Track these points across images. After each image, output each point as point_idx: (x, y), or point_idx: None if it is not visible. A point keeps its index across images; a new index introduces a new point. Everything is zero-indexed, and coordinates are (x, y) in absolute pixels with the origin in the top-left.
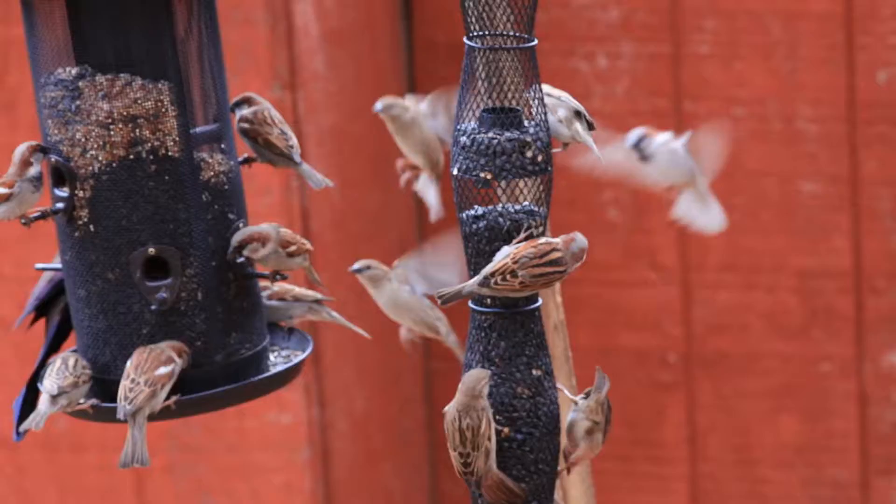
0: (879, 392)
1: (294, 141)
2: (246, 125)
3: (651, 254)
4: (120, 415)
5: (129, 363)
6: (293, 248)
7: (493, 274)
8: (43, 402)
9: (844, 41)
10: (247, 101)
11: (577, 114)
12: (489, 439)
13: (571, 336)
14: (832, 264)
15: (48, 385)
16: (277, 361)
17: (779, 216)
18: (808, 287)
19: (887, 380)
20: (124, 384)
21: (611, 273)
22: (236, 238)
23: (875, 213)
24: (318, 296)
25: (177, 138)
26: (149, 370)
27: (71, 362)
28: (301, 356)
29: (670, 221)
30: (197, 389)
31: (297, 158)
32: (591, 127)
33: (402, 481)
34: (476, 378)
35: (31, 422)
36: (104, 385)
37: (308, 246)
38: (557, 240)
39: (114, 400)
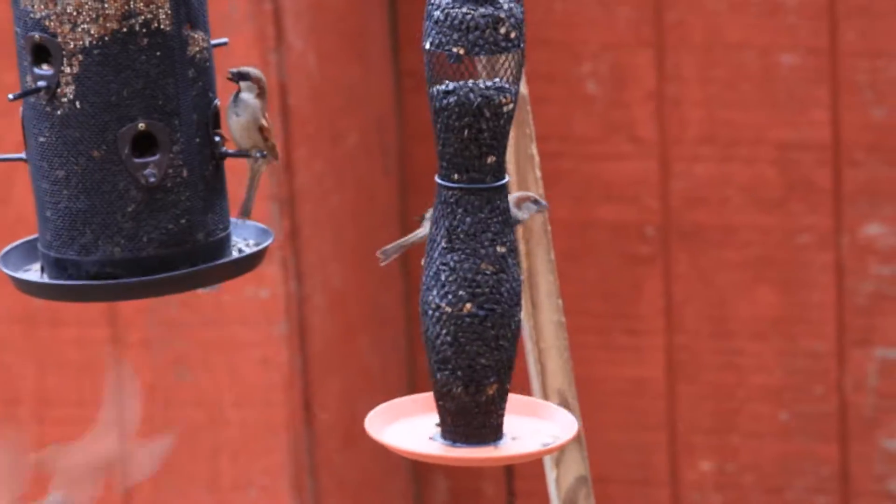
0: (857, 263)
1: None
2: None
3: (629, 127)
4: None
5: None
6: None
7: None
8: None
9: None
10: None
11: None
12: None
13: (550, 210)
14: (811, 137)
15: None
16: (243, 247)
17: (758, 88)
18: (786, 159)
19: (865, 251)
20: None
21: (589, 146)
22: (245, 68)
23: (854, 85)
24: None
25: (168, 11)
26: None
27: None
28: (268, 241)
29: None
30: (180, 267)
31: None
32: None
33: (379, 356)
34: None
35: None
36: (78, 266)
37: (272, 143)
38: None
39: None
